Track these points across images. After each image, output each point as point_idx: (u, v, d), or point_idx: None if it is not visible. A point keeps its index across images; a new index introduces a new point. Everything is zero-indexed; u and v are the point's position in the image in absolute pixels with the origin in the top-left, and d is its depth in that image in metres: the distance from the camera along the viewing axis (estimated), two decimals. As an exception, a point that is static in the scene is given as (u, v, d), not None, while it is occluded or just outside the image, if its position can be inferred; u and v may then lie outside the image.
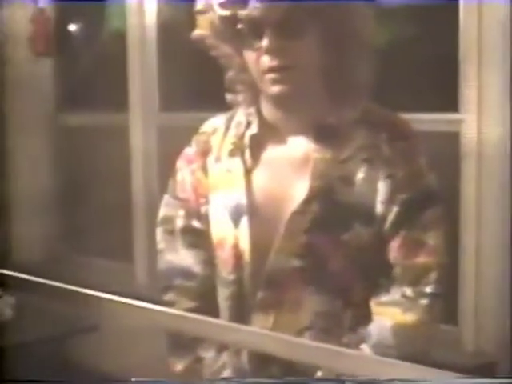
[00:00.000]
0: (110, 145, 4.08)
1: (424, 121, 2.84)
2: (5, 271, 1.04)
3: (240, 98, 1.59)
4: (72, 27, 4.34)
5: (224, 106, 1.62)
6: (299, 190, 1.48)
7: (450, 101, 2.81)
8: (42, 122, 4.41)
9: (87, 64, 4.14)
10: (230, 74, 1.56)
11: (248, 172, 1.54)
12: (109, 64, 4.03)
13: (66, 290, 0.99)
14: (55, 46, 4.15)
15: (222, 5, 1.43)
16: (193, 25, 3.35)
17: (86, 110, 4.17)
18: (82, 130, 4.26)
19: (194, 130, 3.83)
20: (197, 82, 3.73)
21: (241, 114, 1.60)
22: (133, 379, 0.96)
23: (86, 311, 1.08)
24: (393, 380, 1.36)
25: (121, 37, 3.85)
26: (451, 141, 2.81)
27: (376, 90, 1.53)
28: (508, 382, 1.34)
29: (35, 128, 4.39)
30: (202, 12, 1.50)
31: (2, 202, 4.24)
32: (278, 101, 1.50)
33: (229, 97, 1.60)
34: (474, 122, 2.75)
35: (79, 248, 4.27)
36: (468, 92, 2.75)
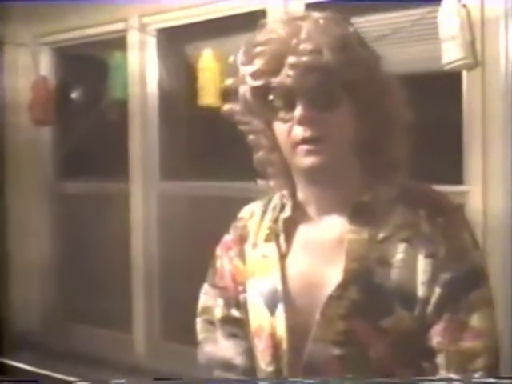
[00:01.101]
0: (110, 213, 4.06)
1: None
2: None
3: (272, 183, 1.54)
4: (73, 95, 4.36)
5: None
6: (334, 274, 1.40)
7: (454, 173, 2.80)
8: (42, 189, 4.39)
9: (87, 132, 4.15)
10: (260, 155, 1.51)
11: (283, 257, 1.48)
12: (109, 132, 4.04)
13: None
14: (55, 114, 4.17)
15: (253, 75, 1.38)
16: (193, 95, 3.40)
17: (85, 178, 4.16)
18: (81, 198, 4.25)
19: (194, 198, 3.82)
20: (197, 151, 3.75)
21: (277, 198, 1.56)
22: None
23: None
24: (393, 380, 1.34)
25: (122, 105, 3.88)
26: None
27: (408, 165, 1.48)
28: (508, 382, 1.34)
29: (35, 194, 4.38)
30: (234, 86, 1.47)
31: (1, 268, 4.20)
32: (310, 175, 1.43)
33: (261, 183, 1.55)
34: (479, 193, 2.73)
35: (77, 316, 4.21)
36: (472, 164, 2.75)
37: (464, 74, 2.76)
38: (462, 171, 2.79)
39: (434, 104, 2.94)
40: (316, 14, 1.40)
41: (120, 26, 3.83)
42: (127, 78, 3.83)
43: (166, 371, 3.37)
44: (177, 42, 3.79)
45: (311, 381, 1.33)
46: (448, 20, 2.67)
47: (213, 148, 3.48)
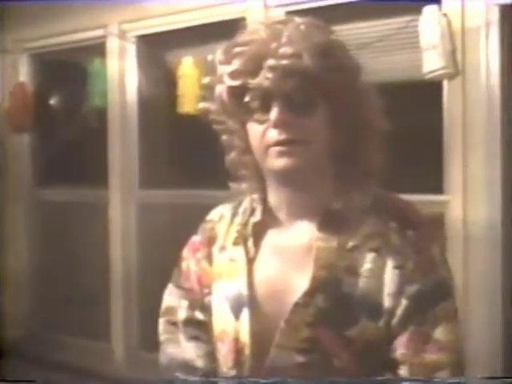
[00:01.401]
0: (89, 221, 4.03)
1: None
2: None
3: (244, 185, 1.52)
4: (52, 102, 4.32)
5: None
6: (302, 281, 1.39)
7: (434, 182, 2.80)
8: (19, 196, 4.36)
9: (66, 139, 4.12)
10: (233, 156, 1.49)
11: (250, 261, 1.46)
12: (88, 139, 4.01)
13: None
14: (34, 121, 4.14)
15: (231, 74, 1.37)
16: (173, 103, 3.37)
17: (64, 186, 4.14)
18: (59, 205, 4.22)
19: (174, 207, 3.78)
20: (177, 159, 3.72)
21: (247, 201, 1.54)
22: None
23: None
24: (394, 380, 1.32)
25: (101, 112, 3.85)
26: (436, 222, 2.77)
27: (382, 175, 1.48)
28: (508, 382, 1.37)
29: (12, 201, 4.34)
30: (211, 85, 1.45)
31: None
32: (282, 178, 1.42)
33: (232, 185, 1.54)
34: (460, 203, 2.73)
35: (55, 326, 4.18)
36: (453, 173, 2.75)
37: (445, 83, 2.76)
38: (443, 180, 2.79)
39: (415, 113, 2.94)
40: (297, 20, 1.39)
41: (99, 32, 3.81)
42: (106, 85, 3.81)
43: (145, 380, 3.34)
44: (157, 49, 3.77)
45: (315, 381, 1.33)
46: (429, 29, 2.67)
47: (193, 156, 3.46)
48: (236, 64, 1.35)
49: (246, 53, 1.34)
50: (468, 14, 2.69)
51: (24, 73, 4.25)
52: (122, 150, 3.81)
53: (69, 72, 4.09)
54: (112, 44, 3.78)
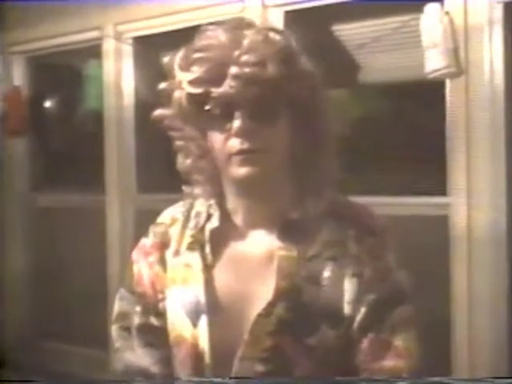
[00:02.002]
0: (85, 226, 3.99)
1: (412, 204, 2.79)
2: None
3: (198, 190, 1.49)
4: (47, 105, 4.29)
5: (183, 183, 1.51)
6: (264, 291, 1.39)
7: (437, 184, 2.76)
8: (15, 201, 4.32)
9: (63, 143, 4.09)
10: (188, 162, 1.45)
11: (208, 268, 1.44)
12: (85, 144, 3.98)
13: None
14: (30, 125, 4.11)
15: (193, 82, 1.33)
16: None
17: (60, 190, 4.10)
18: (55, 210, 4.19)
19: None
20: (175, 163, 3.68)
21: (200, 204, 1.51)
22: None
23: None
24: (395, 379, 1.31)
25: (98, 117, 3.81)
26: (440, 224, 2.74)
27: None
28: (508, 381, 1.34)
29: (7, 206, 4.30)
30: (168, 90, 1.41)
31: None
32: (242, 186, 1.40)
33: (186, 189, 1.50)
34: (464, 205, 2.70)
35: (51, 333, 4.14)
36: (456, 174, 2.72)
37: (447, 82, 2.73)
38: (446, 182, 2.76)
39: (417, 113, 2.91)
40: (257, 24, 1.38)
41: (95, 34, 3.77)
42: (102, 87, 3.78)
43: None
44: (153, 50, 3.72)
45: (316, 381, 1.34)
46: (431, 27, 2.64)
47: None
48: (197, 71, 1.32)
49: (207, 59, 1.31)
50: (471, 11, 2.66)
51: (18, 76, 4.21)
52: (119, 154, 3.77)
53: (64, 75, 4.07)
54: (108, 46, 3.75)
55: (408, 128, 2.95)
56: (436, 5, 2.65)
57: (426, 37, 2.65)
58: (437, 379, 1.30)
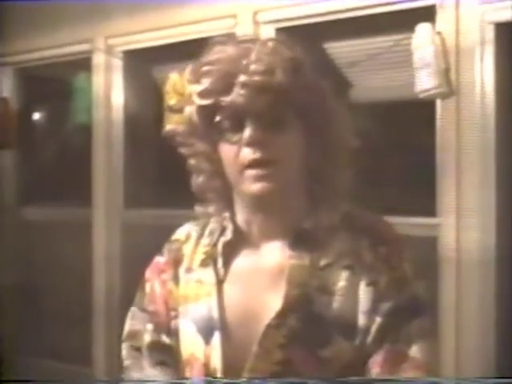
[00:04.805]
0: (72, 241, 3.97)
1: (401, 225, 2.77)
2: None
3: (211, 209, 1.48)
4: (35, 118, 4.27)
5: (192, 204, 1.50)
6: (274, 302, 1.37)
7: (427, 204, 2.75)
8: (3, 215, 4.28)
9: (50, 157, 4.07)
10: (200, 180, 1.45)
11: (220, 283, 1.43)
12: (73, 158, 3.98)
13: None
14: (18, 138, 4.08)
15: (201, 94, 1.34)
16: (160, 120, 3.33)
17: (48, 204, 4.08)
18: (42, 225, 4.16)
19: (160, 227, 3.70)
20: (164, 178, 3.67)
21: (215, 221, 1.50)
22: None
23: None
24: (395, 379, 1.30)
25: (86, 130, 3.80)
26: (429, 245, 2.73)
27: (351, 192, 1.45)
28: (508, 381, 1.33)
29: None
30: (177, 106, 1.41)
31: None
32: (256, 201, 1.39)
33: (198, 209, 1.50)
34: (453, 226, 2.69)
35: (36, 350, 4.10)
36: (446, 195, 2.71)
37: (438, 102, 2.72)
38: (436, 203, 2.74)
39: (407, 133, 2.90)
40: (265, 38, 1.40)
41: (85, 47, 3.76)
42: (91, 101, 3.77)
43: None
44: (144, 64, 3.73)
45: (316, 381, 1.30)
46: (422, 47, 2.64)
47: (180, 175, 3.40)
48: (205, 83, 1.33)
49: (216, 71, 1.32)
50: (462, 32, 2.65)
51: (7, 88, 4.20)
52: (107, 168, 3.75)
53: (53, 87, 4.06)
54: (98, 59, 3.73)
55: (398, 147, 2.94)
56: (427, 25, 2.65)
57: (417, 57, 2.65)
58: (428, 379, 1.31)
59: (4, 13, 3.80)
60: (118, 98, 3.72)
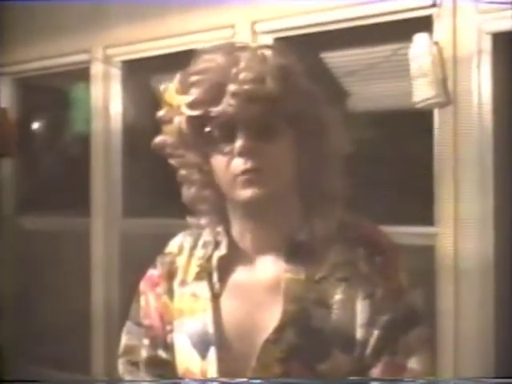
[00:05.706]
0: (70, 250, 3.97)
1: (398, 234, 2.77)
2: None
3: (204, 220, 1.46)
4: (34, 128, 4.27)
5: (189, 214, 1.48)
6: (271, 317, 1.35)
7: (425, 213, 2.75)
8: (1, 224, 4.27)
9: (49, 167, 4.06)
10: (192, 191, 1.43)
11: (215, 297, 1.42)
12: (71, 167, 3.98)
13: None
14: (16, 148, 4.07)
15: (191, 105, 1.32)
16: (158, 130, 3.33)
17: (46, 214, 4.08)
18: (40, 234, 4.15)
19: (158, 236, 3.70)
20: (162, 187, 3.66)
21: (208, 233, 1.48)
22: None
23: None
24: (395, 379, 1.30)
25: (85, 140, 3.80)
26: (426, 254, 2.73)
27: (348, 201, 1.43)
28: (508, 381, 1.35)
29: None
30: (167, 117, 1.39)
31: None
32: (248, 209, 1.37)
33: (191, 220, 1.47)
34: (450, 235, 2.69)
35: (34, 358, 4.07)
36: (443, 204, 2.70)
37: (436, 112, 2.72)
38: (433, 212, 2.74)
39: (405, 142, 2.90)
40: (254, 45, 1.37)
41: (84, 57, 3.77)
42: (90, 110, 3.76)
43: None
44: (142, 74, 3.72)
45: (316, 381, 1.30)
46: (419, 57, 2.64)
47: (178, 184, 3.40)
48: (195, 93, 1.30)
49: (205, 81, 1.30)
50: (460, 42, 2.66)
51: (6, 97, 4.19)
52: (105, 178, 3.75)
53: (52, 97, 4.06)
54: (96, 69, 3.74)
55: (395, 157, 2.94)
56: (425, 35, 2.66)
57: (414, 66, 2.65)
58: (424, 380, 1.30)
59: (3, 23, 3.81)
60: (117, 107, 3.73)
